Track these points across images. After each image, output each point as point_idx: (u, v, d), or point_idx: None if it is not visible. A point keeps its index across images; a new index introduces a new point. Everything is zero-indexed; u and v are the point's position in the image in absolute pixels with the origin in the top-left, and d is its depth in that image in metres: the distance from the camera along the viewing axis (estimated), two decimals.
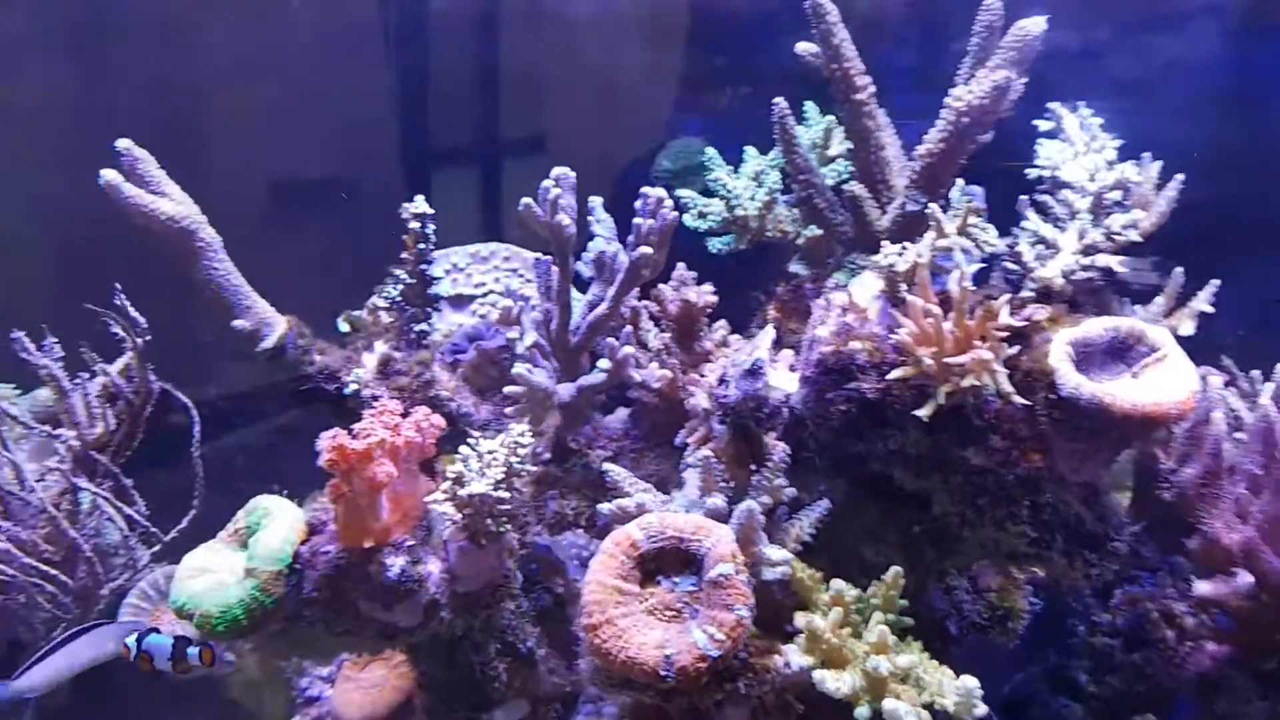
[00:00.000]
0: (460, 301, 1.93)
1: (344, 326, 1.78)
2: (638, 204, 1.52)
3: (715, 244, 1.81)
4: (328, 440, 1.40)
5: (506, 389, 1.50)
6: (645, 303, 1.61)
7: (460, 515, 1.40)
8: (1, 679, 1.68)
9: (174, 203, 1.54)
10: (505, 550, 1.45)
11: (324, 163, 2.61)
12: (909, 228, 1.58)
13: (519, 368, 1.47)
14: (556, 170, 1.51)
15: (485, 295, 1.89)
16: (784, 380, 1.39)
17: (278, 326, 1.62)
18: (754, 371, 1.35)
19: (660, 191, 1.50)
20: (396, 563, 1.43)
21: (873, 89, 1.62)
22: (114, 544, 1.91)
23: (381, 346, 1.68)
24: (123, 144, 1.54)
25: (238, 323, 1.59)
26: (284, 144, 2.53)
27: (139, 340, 1.83)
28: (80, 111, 2.39)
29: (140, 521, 1.84)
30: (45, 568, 1.82)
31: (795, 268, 1.74)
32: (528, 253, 1.96)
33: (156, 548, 1.87)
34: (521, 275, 1.93)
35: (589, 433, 1.64)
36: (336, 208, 2.60)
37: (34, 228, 2.43)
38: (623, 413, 1.70)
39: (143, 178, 1.53)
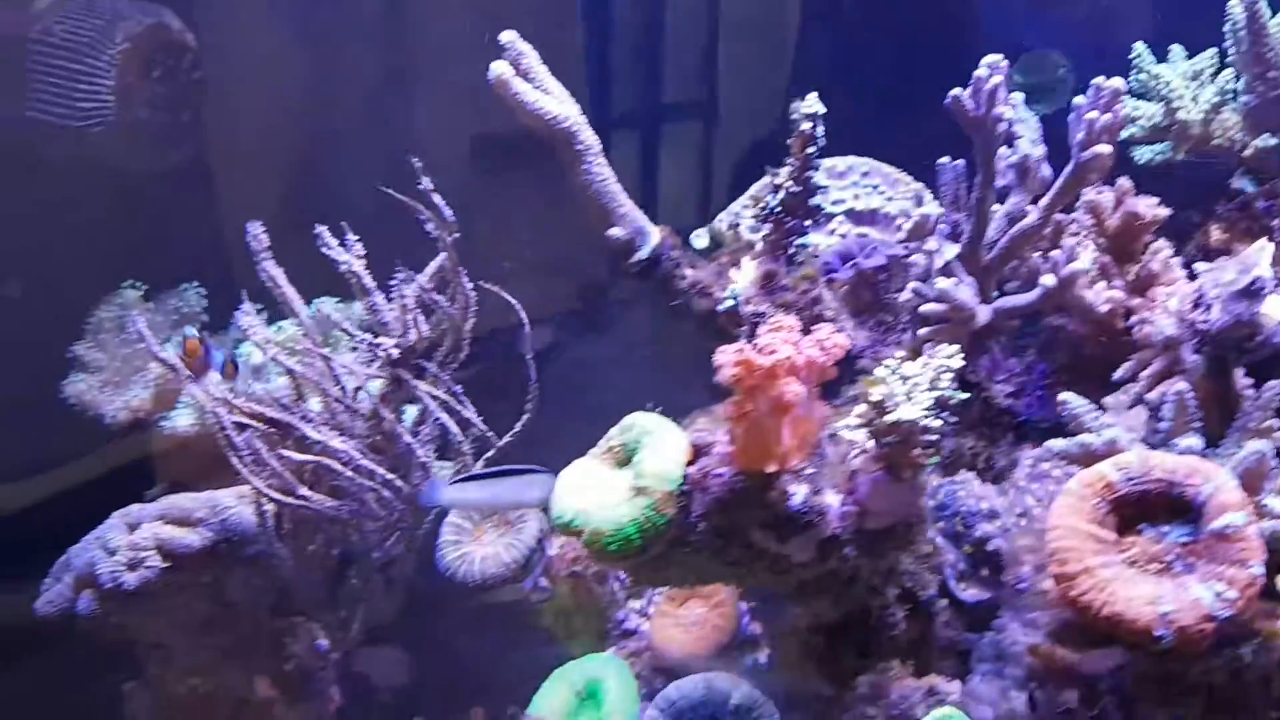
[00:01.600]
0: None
1: (701, 242, 1.70)
2: (1081, 99, 1.34)
3: (1143, 153, 1.61)
4: (732, 355, 1.31)
5: (923, 307, 1.38)
6: (1070, 217, 1.44)
7: (878, 444, 1.29)
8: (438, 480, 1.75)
9: (558, 101, 1.48)
10: (921, 486, 1.33)
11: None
12: None
13: (943, 282, 1.34)
14: (990, 57, 1.35)
15: (845, 212, 1.75)
16: (1276, 308, 1.20)
17: (653, 237, 1.54)
18: (1252, 292, 1.17)
19: (1117, 82, 1.32)
20: (799, 491, 1.34)
21: None
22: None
23: (750, 262, 1.58)
24: (506, 37, 1.48)
25: (614, 231, 1.53)
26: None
27: (450, 236, 1.77)
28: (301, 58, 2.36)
29: (476, 423, 1.81)
30: (383, 471, 1.82)
31: (1240, 184, 1.52)
32: (887, 167, 1.82)
33: (490, 454, 1.84)
34: (882, 191, 1.79)
35: (987, 364, 1.50)
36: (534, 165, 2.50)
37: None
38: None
39: (527, 73, 1.47)
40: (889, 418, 1.25)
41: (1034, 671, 1.42)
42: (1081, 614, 1.11)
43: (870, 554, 1.35)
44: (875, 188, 1.80)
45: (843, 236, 1.73)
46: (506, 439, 1.85)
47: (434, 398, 1.84)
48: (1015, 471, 1.48)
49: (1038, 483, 2.02)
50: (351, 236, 1.85)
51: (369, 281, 1.83)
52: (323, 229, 1.83)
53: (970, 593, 1.59)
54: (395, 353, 1.86)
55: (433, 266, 1.85)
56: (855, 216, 1.75)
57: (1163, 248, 1.41)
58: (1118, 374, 1.34)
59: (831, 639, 1.44)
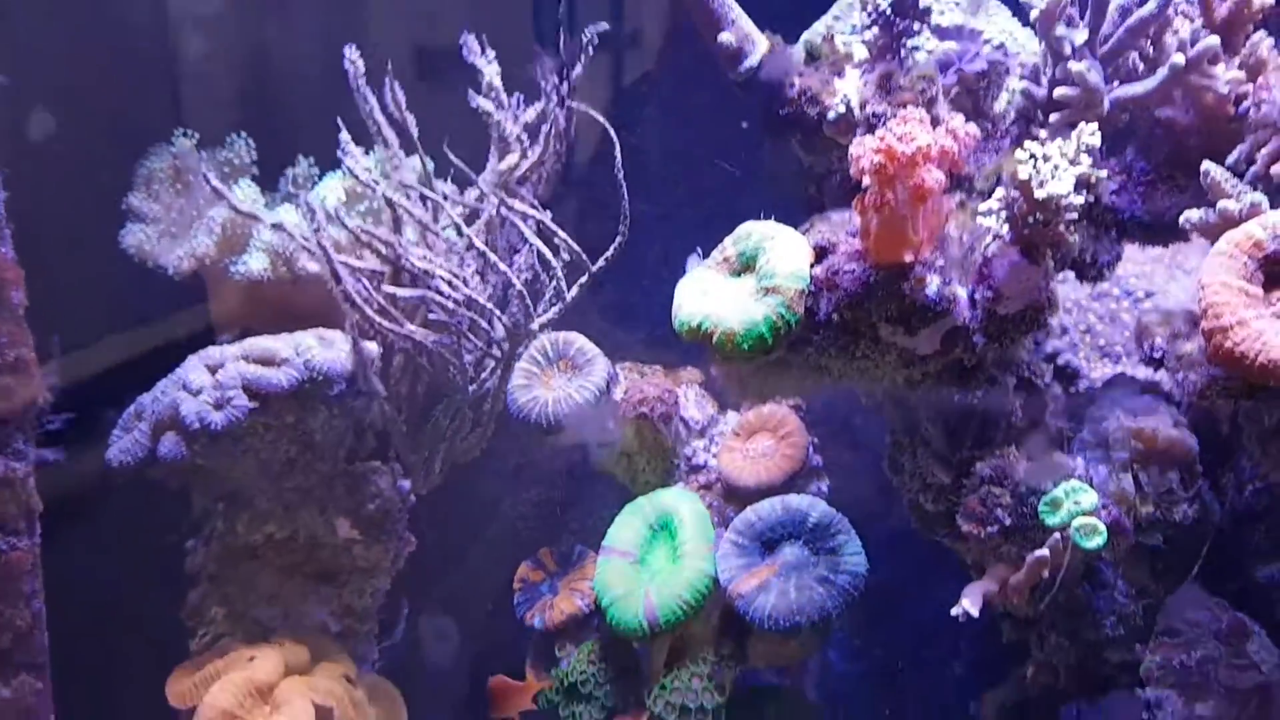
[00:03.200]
0: None
1: (798, 55, 1.69)
2: None
3: None
4: (873, 144, 1.32)
5: (1058, 92, 1.40)
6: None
7: (1016, 226, 1.32)
8: None
9: None
10: (1050, 270, 1.37)
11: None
12: None
13: (1077, 65, 1.36)
14: None
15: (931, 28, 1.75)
16: None
17: (760, 45, 1.54)
18: None
19: None
20: (933, 281, 1.37)
21: None
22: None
23: (854, 71, 1.58)
24: None
25: (723, 37, 1.52)
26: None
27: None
28: None
29: (573, 248, 1.81)
30: (481, 301, 1.81)
31: None
32: None
33: (584, 279, 1.86)
34: (963, 8, 1.79)
35: None
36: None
37: None
38: None
39: None
40: (1038, 194, 1.27)
41: (1138, 455, 1.50)
42: (1234, 365, 1.17)
43: (999, 339, 1.40)
44: (957, 4, 1.80)
45: (929, 52, 1.74)
46: (600, 264, 1.85)
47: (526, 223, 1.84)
48: None
49: (1099, 301, 2.10)
50: (490, 51, 1.85)
51: (503, 97, 1.82)
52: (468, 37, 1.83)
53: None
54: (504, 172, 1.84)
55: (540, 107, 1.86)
56: (940, 32, 1.75)
57: (1264, 38, 1.45)
58: (1231, 158, 1.39)
59: (950, 428, 1.50)
